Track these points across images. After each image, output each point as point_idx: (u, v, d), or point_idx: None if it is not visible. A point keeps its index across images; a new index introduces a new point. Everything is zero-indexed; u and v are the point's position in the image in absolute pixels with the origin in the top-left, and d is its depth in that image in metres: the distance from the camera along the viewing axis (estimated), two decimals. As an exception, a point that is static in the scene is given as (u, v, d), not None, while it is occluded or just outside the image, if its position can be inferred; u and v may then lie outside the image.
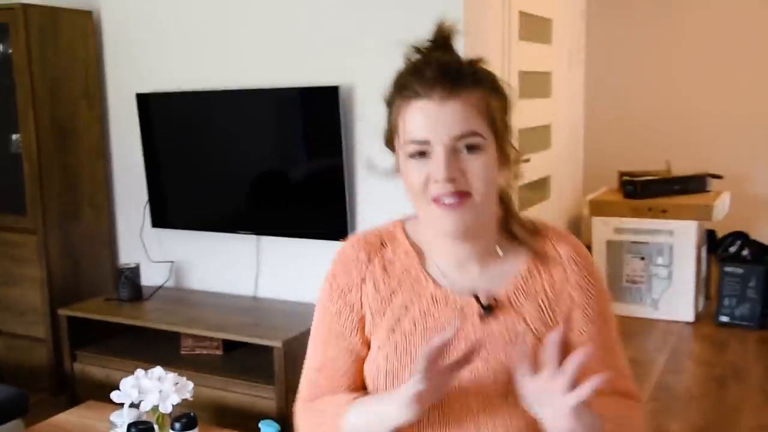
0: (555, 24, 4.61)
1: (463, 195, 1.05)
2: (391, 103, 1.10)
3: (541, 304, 1.12)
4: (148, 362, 2.99)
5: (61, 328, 3.27)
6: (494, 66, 1.14)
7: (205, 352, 3.14)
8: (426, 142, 1.04)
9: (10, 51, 3.32)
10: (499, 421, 1.09)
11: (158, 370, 2.02)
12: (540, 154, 4.44)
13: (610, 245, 4.37)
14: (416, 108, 1.05)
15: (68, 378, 3.26)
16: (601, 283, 1.15)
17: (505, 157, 1.10)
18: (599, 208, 4.43)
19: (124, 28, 3.54)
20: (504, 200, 1.16)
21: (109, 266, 3.68)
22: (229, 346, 3.10)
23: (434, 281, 1.15)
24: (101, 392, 2.85)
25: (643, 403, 1.21)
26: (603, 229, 4.39)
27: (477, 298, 1.12)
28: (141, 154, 3.44)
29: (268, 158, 3.28)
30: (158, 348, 3.18)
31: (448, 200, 1.05)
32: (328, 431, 1.15)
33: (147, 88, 3.42)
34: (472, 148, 1.04)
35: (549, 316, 1.11)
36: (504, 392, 1.08)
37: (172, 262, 3.52)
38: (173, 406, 1.91)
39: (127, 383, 1.99)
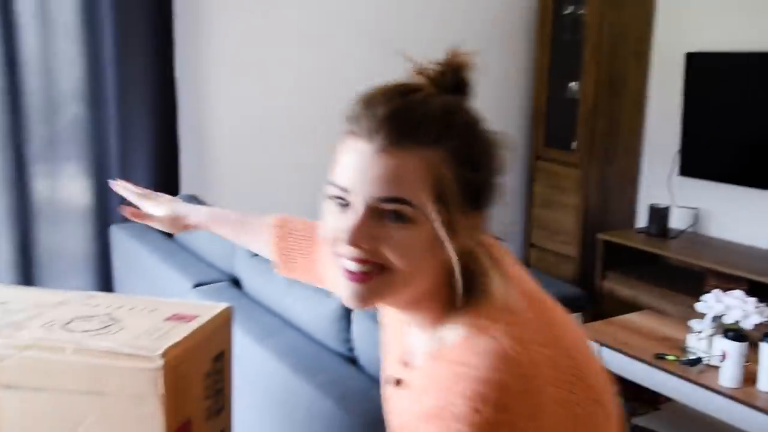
0: None
1: (374, 266, 0.85)
2: (342, 131, 0.89)
3: (417, 394, 0.90)
4: (673, 291, 3.43)
5: (595, 250, 3.88)
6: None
7: (727, 292, 3.44)
8: (346, 191, 0.85)
9: (581, 12, 3.94)
10: None
11: (738, 293, 2.39)
12: None
13: None
14: (350, 147, 0.85)
15: (596, 293, 3.87)
16: (452, 415, 0.78)
17: (453, 230, 0.84)
18: None
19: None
20: (452, 277, 0.87)
21: (632, 204, 4.18)
22: (753, 290, 3.35)
23: (402, 333, 1.01)
24: (624, 310, 3.38)
25: None
26: None
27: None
28: (679, 108, 3.80)
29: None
30: (680, 281, 3.59)
31: (351, 267, 0.86)
32: None
33: (695, 48, 3.74)
34: (398, 217, 0.83)
35: (412, 407, 0.89)
36: None
37: (696, 208, 3.87)
38: (755, 325, 2.26)
39: (710, 298, 2.40)
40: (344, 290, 0.88)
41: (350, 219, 0.84)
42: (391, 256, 0.84)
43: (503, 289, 0.87)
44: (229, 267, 2.42)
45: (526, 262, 4.36)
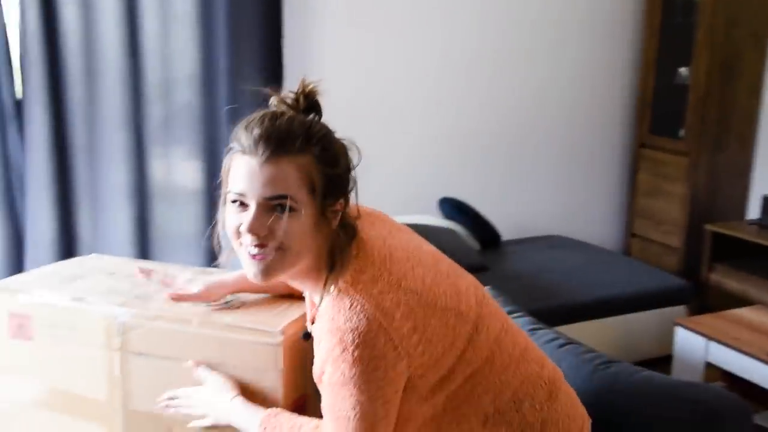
0: None
1: (266, 248, 1.12)
2: (228, 149, 1.17)
3: (315, 346, 1.16)
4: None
5: (701, 241, 3.74)
6: None
7: None
8: (243, 195, 1.12)
9: (695, -6, 3.78)
10: None
11: None
12: None
13: None
14: (240, 162, 1.12)
15: (701, 286, 3.73)
16: (338, 366, 1.08)
17: (326, 215, 1.14)
18: None
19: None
20: (332, 254, 1.15)
21: (743, 194, 3.99)
22: None
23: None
24: (732, 304, 3.25)
25: None
26: None
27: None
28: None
29: None
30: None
31: (252, 251, 1.12)
32: None
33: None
34: (283, 209, 1.10)
35: (316, 359, 1.15)
36: None
37: (814, 199, 3.66)
38: None
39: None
40: (250, 269, 1.14)
41: (248, 215, 1.11)
42: (283, 239, 1.11)
43: (360, 257, 1.14)
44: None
45: (627, 252, 4.26)
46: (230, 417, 1.25)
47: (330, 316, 1.09)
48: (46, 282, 1.49)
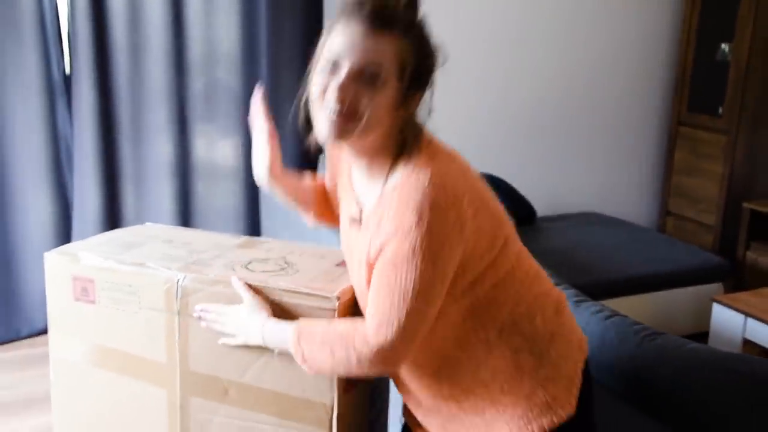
0: None
1: (348, 116, 1.15)
2: (330, 23, 1.20)
3: (375, 230, 1.18)
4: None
5: (739, 219, 3.72)
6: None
7: None
8: (340, 57, 1.15)
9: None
10: (361, 283, 1.24)
11: None
12: None
13: None
14: (341, 31, 1.16)
15: (738, 264, 3.72)
16: (407, 237, 1.11)
17: (405, 101, 1.18)
18: None
19: None
20: (403, 133, 1.20)
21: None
22: None
23: (352, 184, 1.32)
24: (769, 282, 3.24)
25: (369, 345, 1.16)
26: None
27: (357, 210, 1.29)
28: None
29: None
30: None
31: (332, 115, 1.16)
32: None
33: None
34: (371, 82, 1.14)
35: (376, 242, 1.17)
36: (358, 276, 1.25)
37: None
38: None
39: None
40: (324, 126, 1.18)
41: (339, 77, 1.15)
42: (362, 107, 1.15)
43: (432, 146, 1.21)
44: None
45: (662, 230, 4.24)
46: (263, 338, 1.30)
47: (405, 189, 1.13)
48: (105, 248, 1.55)
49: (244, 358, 1.38)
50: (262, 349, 1.35)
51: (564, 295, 1.35)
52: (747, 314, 2.63)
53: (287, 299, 1.33)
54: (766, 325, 2.57)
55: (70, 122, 3.02)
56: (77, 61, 2.93)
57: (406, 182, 1.13)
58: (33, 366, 2.88)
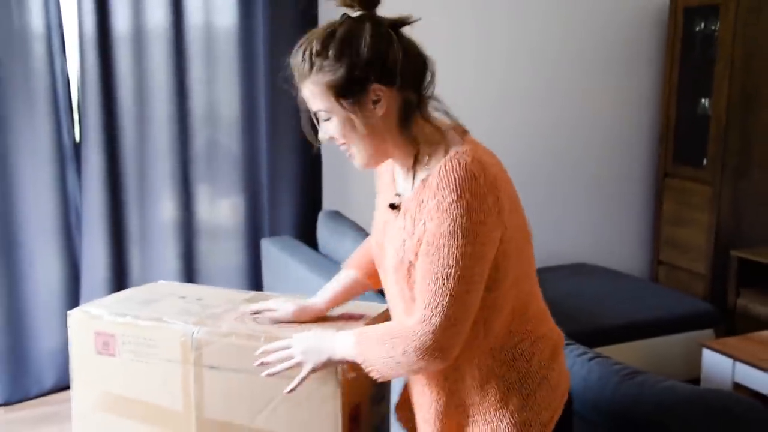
0: None
1: (344, 146, 1.30)
2: None
3: (413, 215, 1.26)
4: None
5: (728, 267, 3.83)
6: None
7: None
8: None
9: (713, 28, 3.92)
10: (394, 286, 1.33)
11: None
12: None
13: None
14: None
15: (729, 311, 3.81)
16: (447, 215, 1.18)
17: (365, 108, 1.24)
18: None
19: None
20: (424, 130, 1.29)
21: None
22: None
23: (395, 181, 1.39)
24: (760, 328, 3.32)
25: (417, 336, 1.21)
26: None
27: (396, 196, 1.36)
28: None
29: None
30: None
31: (342, 149, 1.31)
32: None
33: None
34: (331, 120, 1.27)
35: (412, 228, 1.25)
36: (394, 269, 1.31)
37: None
38: None
39: None
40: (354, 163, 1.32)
41: (321, 129, 1.31)
42: (348, 141, 1.28)
43: (468, 140, 1.28)
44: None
45: (654, 279, 4.35)
46: (333, 349, 1.33)
47: (446, 170, 1.18)
48: (124, 305, 1.66)
49: (256, 404, 1.47)
50: (271, 395, 1.45)
51: (562, 336, 1.42)
52: (735, 358, 2.72)
53: (296, 348, 1.43)
54: (754, 369, 2.66)
55: (79, 187, 3.15)
56: (86, 129, 3.08)
57: (448, 164, 1.19)
58: (44, 424, 2.95)
